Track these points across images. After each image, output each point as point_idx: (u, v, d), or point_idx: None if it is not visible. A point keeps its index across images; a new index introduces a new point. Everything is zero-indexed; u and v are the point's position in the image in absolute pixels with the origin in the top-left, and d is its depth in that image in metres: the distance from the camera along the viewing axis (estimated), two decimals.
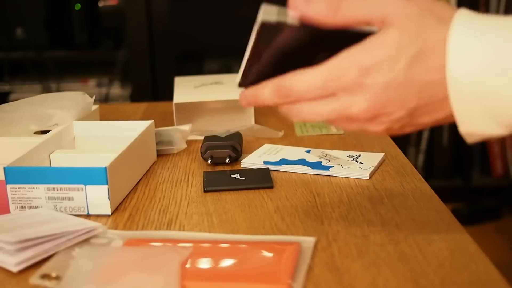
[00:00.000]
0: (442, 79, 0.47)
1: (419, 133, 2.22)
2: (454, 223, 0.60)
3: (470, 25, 0.46)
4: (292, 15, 0.50)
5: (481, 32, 0.46)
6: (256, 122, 0.95)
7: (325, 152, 0.81)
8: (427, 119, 0.50)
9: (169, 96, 1.06)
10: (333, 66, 0.49)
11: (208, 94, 0.99)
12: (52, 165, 0.74)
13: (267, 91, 0.52)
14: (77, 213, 0.64)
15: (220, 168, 0.78)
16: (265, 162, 0.78)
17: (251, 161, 0.79)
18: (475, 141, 0.50)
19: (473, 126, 0.48)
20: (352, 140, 0.88)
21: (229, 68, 2.26)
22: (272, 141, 0.88)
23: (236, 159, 0.79)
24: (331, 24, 0.49)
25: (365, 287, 0.49)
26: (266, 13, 0.49)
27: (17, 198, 0.64)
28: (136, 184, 0.74)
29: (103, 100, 2.12)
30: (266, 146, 0.84)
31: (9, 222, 0.59)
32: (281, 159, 0.78)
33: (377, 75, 0.48)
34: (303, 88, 0.50)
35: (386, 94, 0.48)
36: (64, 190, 0.64)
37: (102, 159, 0.67)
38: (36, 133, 0.79)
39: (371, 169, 0.74)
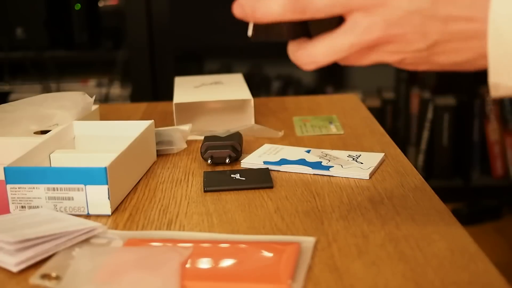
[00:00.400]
0: (475, 17, 0.45)
1: (419, 133, 2.22)
2: (454, 223, 0.60)
3: None
4: None
5: None
6: (256, 122, 0.95)
7: (325, 152, 0.81)
8: (446, 58, 0.47)
9: (169, 96, 1.06)
10: None
11: (208, 94, 0.99)
12: (52, 165, 0.74)
13: (277, 1, 0.47)
14: (77, 213, 0.64)
15: (220, 168, 0.78)
16: (265, 162, 0.78)
17: (251, 161, 0.79)
18: (500, 96, 0.48)
19: (505, 77, 0.46)
20: (352, 140, 0.88)
21: (229, 68, 2.26)
22: (272, 141, 0.88)
23: (236, 159, 0.79)
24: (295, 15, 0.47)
25: (365, 287, 0.49)
26: None
27: (17, 198, 0.64)
28: (136, 184, 0.74)
29: (103, 100, 2.12)
30: (266, 146, 0.84)
31: (9, 222, 0.59)
32: (281, 159, 0.78)
33: None
34: (323, 2, 0.46)
35: (408, 19, 0.46)
36: (64, 190, 0.64)
37: (102, 159, 0.67)
38: (36, 133, 0.79)
39: (371, 169, 0.74)
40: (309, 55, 0.49)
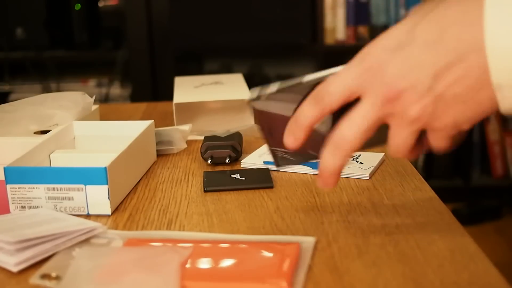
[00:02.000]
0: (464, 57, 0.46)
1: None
2: (454, 223, 0.60)
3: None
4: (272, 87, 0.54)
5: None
6: None
7: None
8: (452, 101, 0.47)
9: (169, 96, 1.06)
10: (358, 55, 0.51)
11: (208, 94, 0.99)
12: (52, 165, 0.74)
13: (327, 158, 0.52)
14: (77, 213, 0.64)
15: (220, 168, 0.78)
16: (265, 162, 0.78)
17: (251, 161, 0.79)
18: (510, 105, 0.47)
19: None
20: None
21: (229, 68, 2.26)
22: None
23: (236, 159, 0.79)
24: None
25: (365, 287, 0.49)
26: (252, 94, 0.55)
27: (17, 198, 0.64)
28: (136, 184, 0.74)
29: (103, 100, 2.12)
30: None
31: (9, 222, 0.59)
32: None
33: (402, 50, 0.48)
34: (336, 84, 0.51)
35: (396, 61, 0.48)
36: (64, 190, 0.64)
37: (102, 159, 0.67)
38: (36, 133, 0.79)
39: (371, 169, 0.74)
40: (336, 143, 0.52)
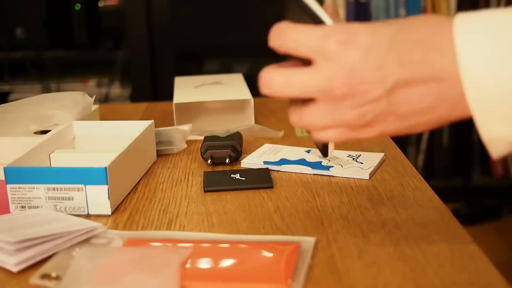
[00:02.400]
0: (433, 61, 0.44)
1: (419, 133, 2.22)
2: (454, 223, 0.60)
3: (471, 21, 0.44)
4: None
5: (485, 23, 0.43)
6: (256, 122, 0.95)
7: None
8: (407, 106, 0.46)
9: (169, 96, 1.06)
10: (317, 32, 0.47)
11: (208, 94, 0.99)
12: (52, 165, 0.74)
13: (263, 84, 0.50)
14: (77, 213, 0.64)
15: (220, 168, 0.78)
16: (265, 162, 0.78)
17: (251, 161, 0.79)
18: (502, 153, 0.45)
19: (498, 128, 0.44)
20: (352, 140, 0.88)
21: (229, 68, 2.26)
22: (272, 141, 0.88)
23: (236, 159, 0.79)
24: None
25: (365, 287, 0.49)
26: None
27: (17, 198, 0.64)
28: (136, 184, 0.74)
29: (103, 100, 2.12)
30: (266, 146, 0.84)
31: (9, 222, 0.59)
32: (281, 159, 0.78)
33: (354, 49, 0.45)
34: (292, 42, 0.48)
35: (364, 62, 0.45)
36: (64, 190, 0.64)
37: (102, 159, 0.67)
38: (36, 133, 0.79)
39: (371, 169, 0.74)
40: (268, 78, 0.49)
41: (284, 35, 0.48)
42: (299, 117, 0.49)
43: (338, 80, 0.46)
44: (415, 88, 0.45)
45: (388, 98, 0.46)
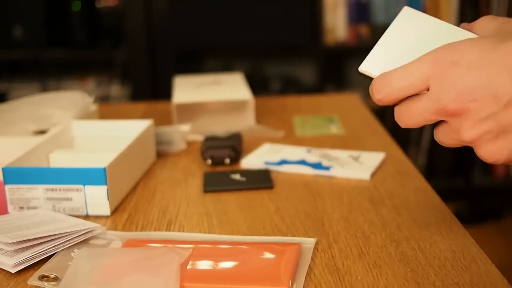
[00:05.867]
0: None
1: (420, 133, 2.22)
2: (456, 224, 0.60)
3: None
4: None
5: None
6: (256, 122, 0.95)
7: (326, 152, 0.80)
8: None
9: (169, 96, 1.06)
10: (431, 53, 0.47)
11: (208, 94, 0.99)
12: (50, 165, 0.73)
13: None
14: (76, 213, 0.64)
15: (220, 169, 0.78)
16: (265, 163, 0.77)
17: (251, 161, 0.78)
18: None
19: None
20: (353, 140, 0.88)
21: (229, 67, 2.26)
22: (272, 141, 0.88)
23: (236, 159, 0.79)
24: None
25: None
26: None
27: (16, 198, 0.64)
28: (136, 184, 0.73)
29: (102, 100, 2.11)
30: (266, 146, 0.84)
31: (7, 222, 0.59)
32: (281, 159, 0.78)
33: (465, 57, 0.45)
34: (401, 85, 0.48)
35: (474, 81, 0.45)
36: (63, 191, 0.63)
37: (101, 159, 0.67)
38: (34, 133, 0.79)
39: (372, 169, 0.73)
40: (396, 117, 0.50)
41: (390, 82, 0.49)
42: (408, 112, 0.49)
43: (449, 98, 0.46)
44: None
45: (505, 111, 0.45)
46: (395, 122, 0.51)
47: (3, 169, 0.63)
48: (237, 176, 0.73)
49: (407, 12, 0.52)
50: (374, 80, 0.50)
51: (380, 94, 0.49)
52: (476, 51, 0.46)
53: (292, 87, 2.24)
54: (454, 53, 0.46)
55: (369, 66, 0.51)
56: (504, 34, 0.49)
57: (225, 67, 2.24)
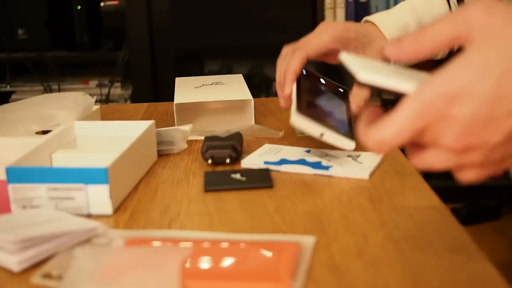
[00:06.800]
0: None
1: None
2: (454, 223, 0.60)
3: None
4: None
5: None
6: (256, 122, 0.95)
7: (325, 152, 0.81)
8: None
9: (170, 97, 1.06)
10: (416, 102, 0.44)
11: (208, 95, 0.99)
12: (53, 165, 0.74)
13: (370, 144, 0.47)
14: (78, 212, 0.64)
15: (220, 168, 0.78)
16: (265, 162, 0.78)
17: (252, 161, 0.79)
18: None
19: None
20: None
21: (229, 68, 2.26)
22: (272, 141, 0.89)
23: (236, 159, 0.80)
24: (423, 54, 0.47)
25: (365, 286, 0.49)
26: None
27: (19, 197, 0.64)
28: (137, 184, 0.74)
29: (104, 100, 2.12)
30: (266, 146, 0.85)
31: (10, 221, 0.59)
32: (281, 159, 0.79)
33: (463, 102, 0.43)
34: (393, 134, 0.46)
35: (475, 121, 0.44)
36: (65, 190, 0.64)
37: (103, 159, 0.67)
38: (37, 133, 0.79)
39: (371, 169, 0.74)
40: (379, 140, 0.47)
41: (387, 143, 0.46)
42: (419, 160, 0.48)
43: (450, 140, 0.45)
44: None
45: (506, 144, 0.45)
46: None
47: (6, 168, 0.64)
48: (237, 176, 0.73)
49: (346, 56, 0.50)
50: (369, 145, 0.47)
51: (383, 151, 0.47)
52: (470, 84, 0.44)
53: None
54: (451, 89, 0.44)
55: (367, 74, 0.48)
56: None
57: (226, 68, 2.24)
